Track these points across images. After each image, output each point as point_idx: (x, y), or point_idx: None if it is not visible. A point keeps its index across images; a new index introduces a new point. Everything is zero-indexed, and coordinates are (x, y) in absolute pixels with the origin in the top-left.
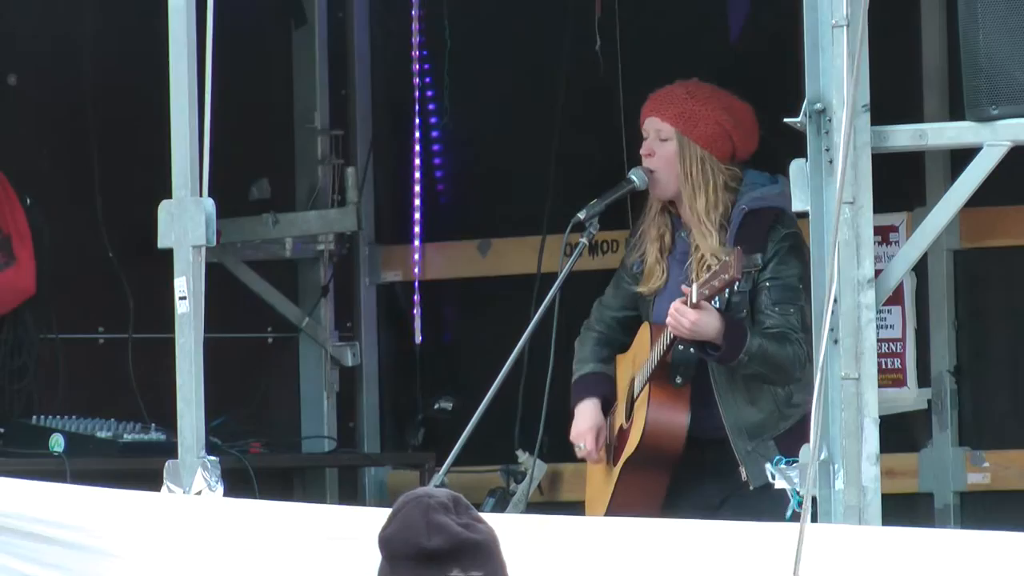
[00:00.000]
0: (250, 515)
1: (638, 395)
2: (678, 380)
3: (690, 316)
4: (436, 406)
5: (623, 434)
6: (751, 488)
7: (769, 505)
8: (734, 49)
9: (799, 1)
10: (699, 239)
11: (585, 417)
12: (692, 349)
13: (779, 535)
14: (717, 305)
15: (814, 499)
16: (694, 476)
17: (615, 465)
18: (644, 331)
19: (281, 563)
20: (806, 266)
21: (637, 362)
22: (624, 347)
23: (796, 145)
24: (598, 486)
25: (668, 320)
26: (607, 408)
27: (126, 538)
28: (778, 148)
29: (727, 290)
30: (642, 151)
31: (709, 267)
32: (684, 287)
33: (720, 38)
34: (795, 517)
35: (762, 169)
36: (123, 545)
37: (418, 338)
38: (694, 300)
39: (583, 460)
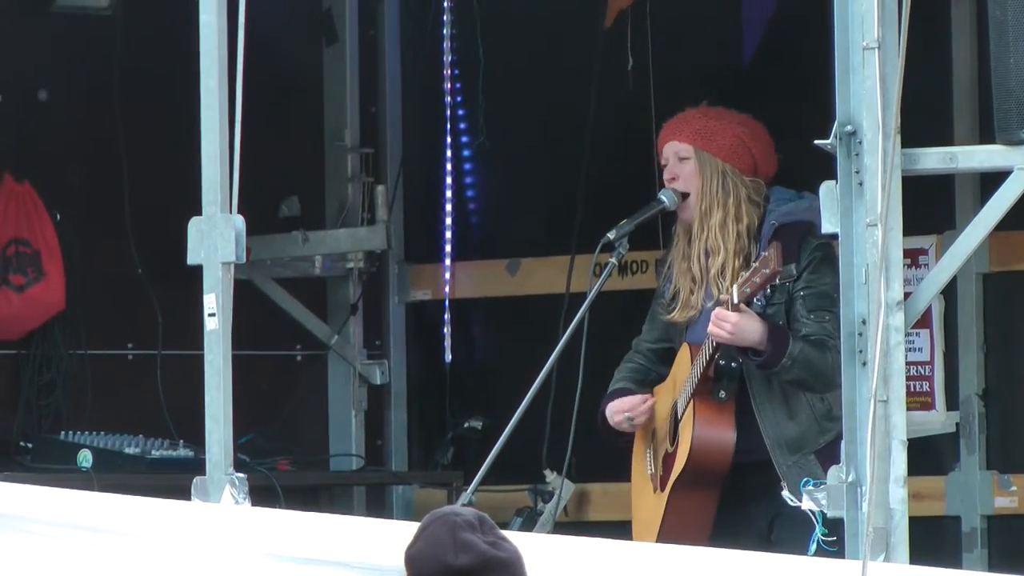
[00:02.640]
0: (274, 523)
1: (682, 415)
2: (722, 395)
3: (731, 319)
4: (466, 425)
5: (669, 458)
6: (792, 504)
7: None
8: (745, 72)
9: (827, 23)
10: (703, 253)
11: (614, 404)
12: (733, 362)
13: (840, 571)
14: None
15: (840, 521)
16: (737, 501)
17: (663, 491)
18: (684, 352)
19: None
20: (838, 276)
21: (678, 384)
22: (660, 377)
23: (817, 166)
24: (647, 513)
25: (710, 328)
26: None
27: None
28: (796, 168)
29: (767, 288)
30: (666, 177)
31: (746, 266)
32: (722, 295)
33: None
34: (819, 546)
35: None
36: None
37: (448, 357)
38: (735, 301)
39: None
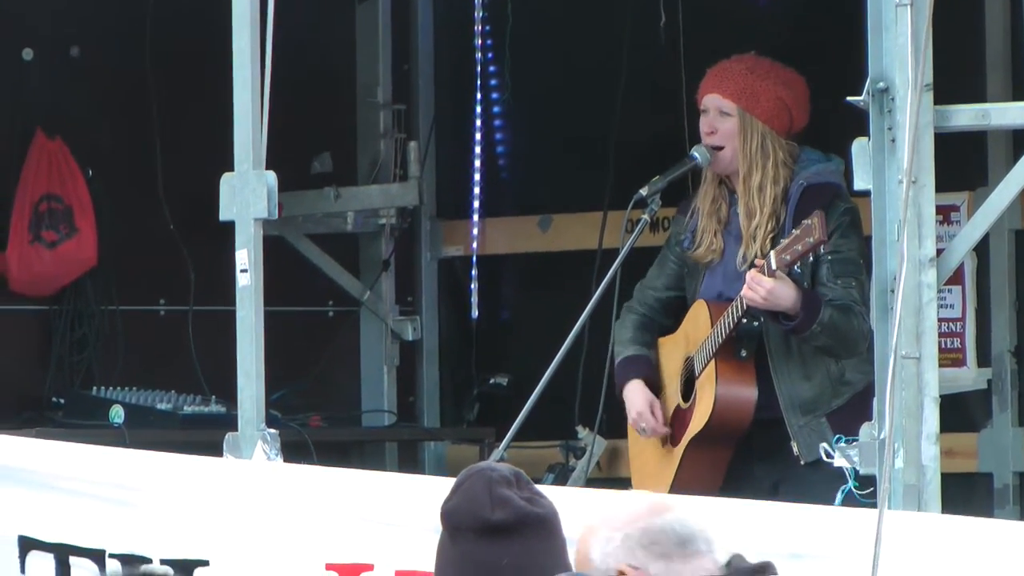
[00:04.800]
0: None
1: (700, 373)
2: (743, 353)
3: (766, 285)
4: (492, 381)
5: (681, 413)
6: (802, 464)
7: (822, 480)
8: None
9: None
10: (744, 215)
11: (637, 397)
12: (756, 321)
13: (856, 519)
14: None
15: (873, 478)
16: (743, 460)
17: (675, 446)
18: (700, 308)
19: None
20: (864, 241)
21: (692, 339)
22: (665, 329)
23: (844, 120)
24: (652, 469)
25: (744, 291)
26: (651, 389)
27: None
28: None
29: (809, 255)
30: (703, 128)
31: (770, 244)
32: (759, 260)
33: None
34: (849, 496)
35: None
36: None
37: (474, 313)
38: (773, 267)
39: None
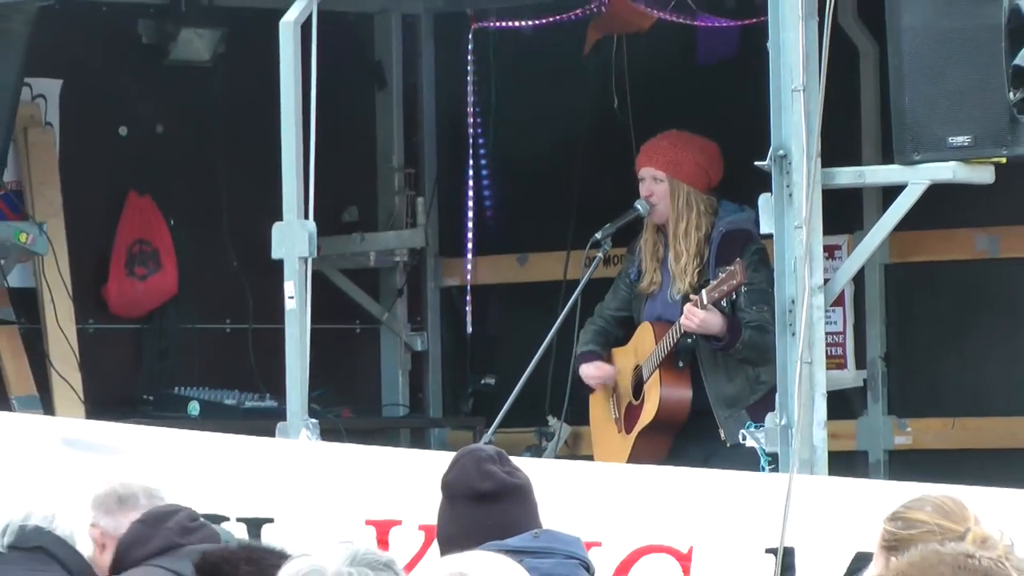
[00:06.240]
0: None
1: (647, 378)
2: (680, 364)
3: (700, 315)
4: (482, 382)
5: (633, 409)
6: (728, 446)
7: (742, 458)
8: (701, 73)
9: (765, 67)
10: (673, 256)
11: (590, 367)
12: (690, 339)
13: (770, 483)
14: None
15: (776, 455)
16: (681, 443)
17: (628, 433)
18: (646, 329)
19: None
20: (772, 273)
21: (640, 352)
22: (617, 339)
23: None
24: (612, 449)
25: (682, 320)
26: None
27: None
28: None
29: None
30: (642, 192)
31: (693, 280)
32: (692, 295)
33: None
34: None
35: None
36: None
37: (469, 329)
38: (704, 302)
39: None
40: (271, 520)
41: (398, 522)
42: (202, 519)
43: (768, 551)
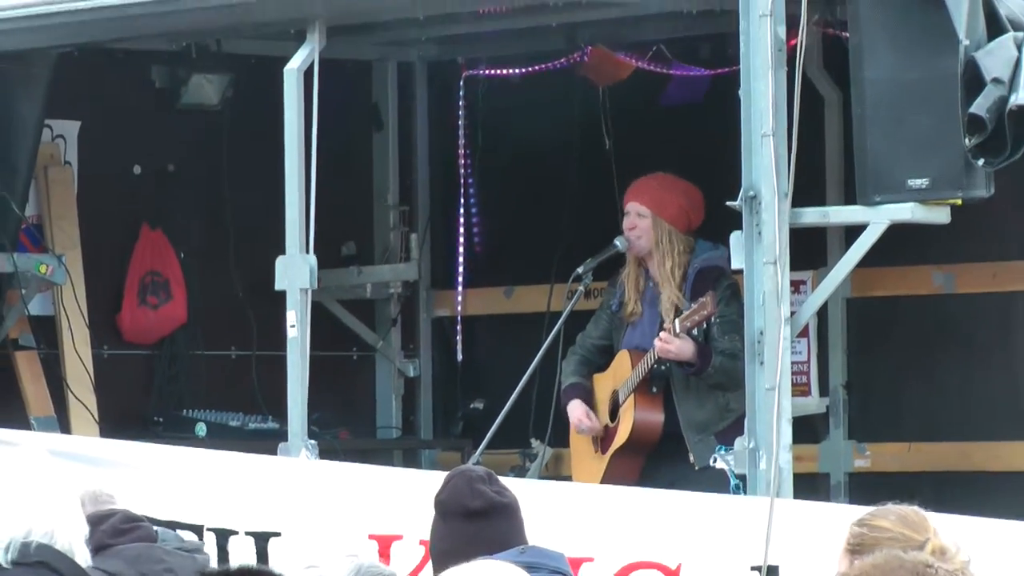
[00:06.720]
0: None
1: (623, 401)
2: (654, 389)
3: (675, 343)
4: (471, 406)
5: (609, 430)
6: (696, 468)
7: (709, 481)
8: (674, 117)
9: (736, 112)
10: (664, 288)
11: (578, 410)
12: (663, 366)
13: (750, 506)
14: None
15: (744, 476)
16: (653, 464)
17: (604, 453)
18: (624, 356)
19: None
20: (742, 306)
21: (618, 378)
22: (599, 367)
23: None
24: (588, 469)
25: (658, 347)
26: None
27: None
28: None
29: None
30: (626, 225)
31: (677, 310)
32: (667, 324)
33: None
34: (735, 491)
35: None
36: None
37: (459, 357)
38: (677, 331)
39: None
40: (278, 534)
41: (399, 536)
42: (141, 521)
43: (754, 568)
